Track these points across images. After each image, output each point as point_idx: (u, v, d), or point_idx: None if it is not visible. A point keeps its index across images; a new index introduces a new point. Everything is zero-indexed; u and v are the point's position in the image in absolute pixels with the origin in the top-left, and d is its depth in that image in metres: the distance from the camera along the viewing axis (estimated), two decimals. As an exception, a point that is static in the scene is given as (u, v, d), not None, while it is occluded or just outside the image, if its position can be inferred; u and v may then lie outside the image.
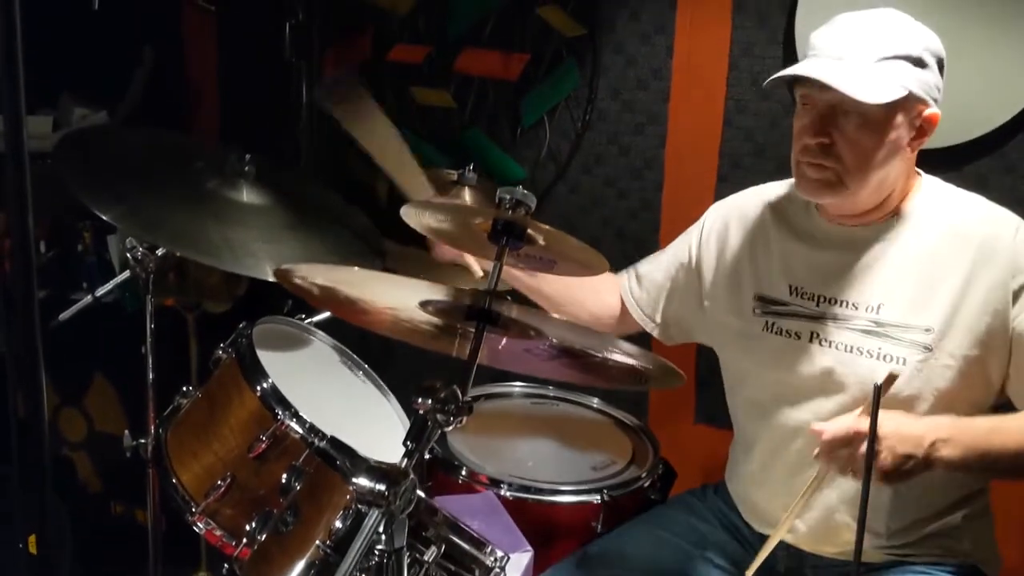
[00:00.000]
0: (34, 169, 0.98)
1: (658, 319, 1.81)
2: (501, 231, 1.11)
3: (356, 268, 1.30)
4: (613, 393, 2.56)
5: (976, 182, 2.13)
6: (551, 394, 2.20)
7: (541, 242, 1.15)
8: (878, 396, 0.97)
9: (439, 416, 1.01)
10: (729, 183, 2.38)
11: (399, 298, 1.31)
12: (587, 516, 1.74)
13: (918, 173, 1.55)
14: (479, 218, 1.21)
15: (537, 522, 1.71)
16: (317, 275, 1.36)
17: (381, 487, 0.96)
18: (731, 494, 1.73)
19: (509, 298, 1.13)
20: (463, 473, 1.78)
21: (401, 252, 1.99)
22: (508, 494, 1.72)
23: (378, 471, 0.98)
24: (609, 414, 2.15)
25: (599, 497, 1.73)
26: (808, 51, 1.47)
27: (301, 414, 1.53)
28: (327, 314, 1.94)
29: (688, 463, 2.37)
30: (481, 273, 1.84)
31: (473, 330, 1.12)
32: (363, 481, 0.97)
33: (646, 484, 1.83)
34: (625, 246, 2.54)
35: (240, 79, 2.93)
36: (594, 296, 1.85)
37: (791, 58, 2.25)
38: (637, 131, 2.48)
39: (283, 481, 1.38)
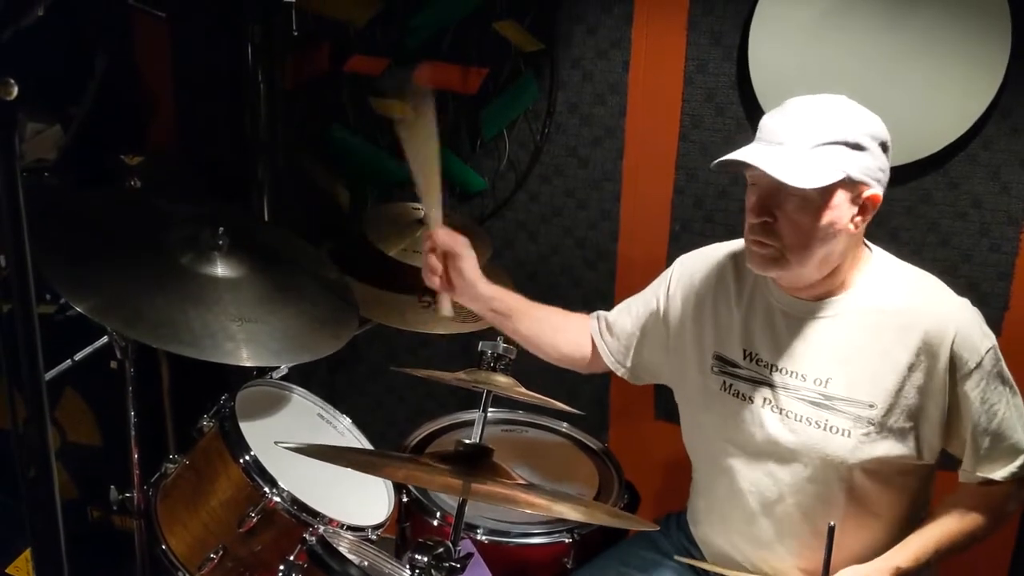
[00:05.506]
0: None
1: (628, 364, 1.87)
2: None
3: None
4: (578, 406, 2.66)
5: (921, 197, 2.22)
6: (521, 419, 2.29)
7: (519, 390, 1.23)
8: (831, 536, 1.07)
9: (434, 572, 1.09)
10: (686, 195, 2.45)
11: None
12: (559, 554, 1.85)
13: (868, 247, 1.62)
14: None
15: (511, 562, 1.82)
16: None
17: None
18: (692, 532, 1.83)
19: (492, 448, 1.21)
20: (440, 518, 1.86)
21: (376, 297, 2.03)
22: (484, 538, 1.82)
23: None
24: (576, 439, 2.24)
25: (570, 537, 1.84)
26: (757, 133, 1.53)
27: (285, 487, 1.60)
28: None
29: (649, 459, 2.50)
30: (448, 312, 1.87)
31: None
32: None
33: (613, 516, 1.94)
34: (586, 254, 2.61)
35: (196, 88, 2.88)
36: (566, 338, 1.92)
37: (744, 76, 2.29)
38: (595, 144, 2.52)
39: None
